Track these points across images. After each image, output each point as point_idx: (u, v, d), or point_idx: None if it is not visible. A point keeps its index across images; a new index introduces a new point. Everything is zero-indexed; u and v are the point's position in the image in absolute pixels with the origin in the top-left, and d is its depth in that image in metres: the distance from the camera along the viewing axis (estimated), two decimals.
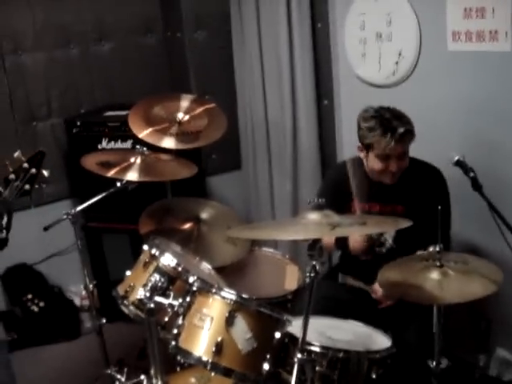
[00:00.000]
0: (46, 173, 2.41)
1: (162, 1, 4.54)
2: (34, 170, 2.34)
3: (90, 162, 3.02)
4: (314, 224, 1.99)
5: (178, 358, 2.50)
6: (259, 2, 3.97)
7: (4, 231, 2.52)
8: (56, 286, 4.42)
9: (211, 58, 4.45)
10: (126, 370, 3.18)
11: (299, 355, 2.04)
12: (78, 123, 3.99)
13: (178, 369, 2.86)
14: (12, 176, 2.32)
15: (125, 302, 2.62)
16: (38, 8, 4.16)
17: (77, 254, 4.51)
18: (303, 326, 2.02)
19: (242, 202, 4.49)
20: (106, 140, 3.91)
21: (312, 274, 1.97)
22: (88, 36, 4.35)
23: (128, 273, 2.75)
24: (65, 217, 2.96)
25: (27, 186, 2.35)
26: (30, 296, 4.25)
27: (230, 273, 2.95)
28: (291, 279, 3.05)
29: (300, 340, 2.04)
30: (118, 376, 3.14)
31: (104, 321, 3.20)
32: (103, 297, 3.88)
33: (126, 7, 4.43)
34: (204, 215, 3.16)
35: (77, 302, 4.42)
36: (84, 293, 4.44)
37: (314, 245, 1.96)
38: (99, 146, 3.92)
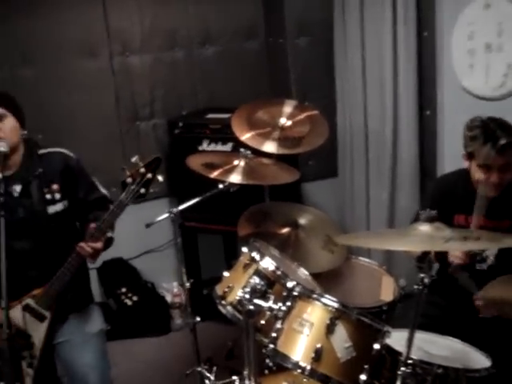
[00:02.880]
0: (160, 178, 2.50)
1: (265, 6, 4.59)
2: (149, 175, 2.43)
3: (195, 162, 3.08)
4: (426, 236, 1.95)
5: (268, 361, 2.55)
6: (364, 8, 3.95)
7: (112, 231, 2.63)
8: (149, 281, 4.53)
9: (312, 65, 4.46)
10: (215, 368, 3.21)
11: (403, 368, 2.01)
12: (180, 124, 4.09)
13: (266, 372, 2.87)
14: (129, 180, 2.43)
15: (222, 302, 2.64)
16: (147, 12, 4.32)
17: (170, 251, 4.66)
18: (408, 339, 1.99)
19: (336, 210, 4.47)
20: (207, 142, 3.98)
21: (420, 287, 1.94)
22: (193, 40, 4.47)
23: (226, 274, 2.77)
24: (168, 215, 3.01)
25: (143, 190, 2.45)
26: (124, 290, 4.38)
27: (325, 280, 2.94)
28: (387, 290, 3.02)
29: (405, 353, 2.01)
30: (208, 374, 3.18)
31: (198, 319, 3.22)
32: (194, 295, 3.94)
33: (231, 12, 4.52)
34: (302, 221, 3.17)
35: (168, 298, 4.51)
36: (176, 290, 4.54)
37: (424, 257, 1.93)
38: (199, 148, 4.00)
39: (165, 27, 4.37)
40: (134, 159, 2.45)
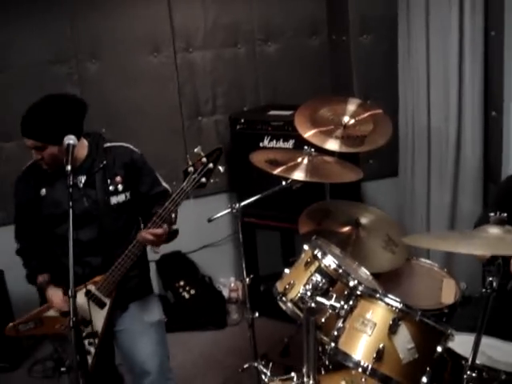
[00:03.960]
0: (221, 169, 2.54)
1: (329, 4, 4.58)
2: (211, 165, 2.46)
3: (259, 158, 3.10)
4: (496, 239, 1.92)
5: (325, 359, 2.54)
6: (429, 6, 3.88)
7: (175, 223, 2.67)
8: (207, 275, 4.58)
9: (375, 63, 4.42)
10: (270, 364, 3.22)
11: (469, 373, 1.98)
12: (242, 120, 4.12)
13: (322, 370, 2.87)
14: (191, 169, 2.46)
15: (283, 298, 2.63)
16: (210, 8, 4.37)
17: (228, 246, 4.71)
18: (475, 343, 1.96)
19: (395, 210, 4.42)
20: (268, 138, 4.00)
21: (489, 291, 1.91)
22: (255, 36, 4.50)
23: (287, 270, 2.76)
24: (230, 210, 3.04)
25: (203, 180, 2.48)
26: (182, 283, 4.44)
27: (385, 280, 2.92)
28: (448, 293, 2.98)
29: (471, 357, 1.99)
30: (264, 370, 3.19)
31: (257, 315, 3.24)
32: (251, 291, 3.96)
33: (294, 9, 4.53)
34: (363, 220, 3.16)
35: (225, 293, 4.56)
36: (233, 285, 4.57)
37: (493, 261, 1.89)
38: (261, 144, 4.02)
39: (228, 23, 4.42)
40: (196, 149, 2.50)
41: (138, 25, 4.24)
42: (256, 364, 3.25)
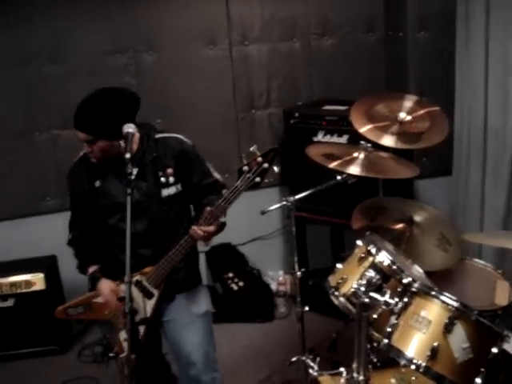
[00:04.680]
0: (276, 169, 2.52)
1: (386, 0, 4.53)
2: (266, 165, 2.44)
3: (315, 152, 3.10)
4: None
5: (373, 356, 2.53)
6: (489, 3, 3.81)
7: (224, 216, 2.67)
8: (255, 268, 4.59)
9: (432, 60, 4.37)
10: (318, 359, 3.23)
11: None
12: (296, 114, 4.12)
13: (370, 367, 2.85)
14: (246, 168, 2.44)
15: (335, 293, 2.64)
16: (267, 1, 4.38)
17: (278, 240, 4.73)
18: None
19: (448, 209, 4.37)
20: (322, 133, 3.99)
21: None
22: (311, 31, 4.50)
23: (339, 265, 2.77)
24: (284, 203, 3.05)
25: (258, 179, 2.46)
26: (230, 274, 4.47)
27: (437, 279, 2.88)
28: (502, 294, 2.93)
29: None
30: (312, 364, 3.20)
31: (307, 308, 3.24)
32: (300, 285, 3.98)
33: (350, 5, 4.52)
34: (417, 218, 3.13)
35: (273, 286, 4.57)
36: (281, 278, 4.59)
37: None
38: (314, 139, 4.01)
39: (284, 17, 4.43)
40: (252, 148, 2.47)
41: (196, 17, 4.29)
42: (304, 358, 3.26)
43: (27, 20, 4.09)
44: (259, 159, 2.44)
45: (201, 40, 4.33)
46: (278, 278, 4.60)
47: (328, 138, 3.96)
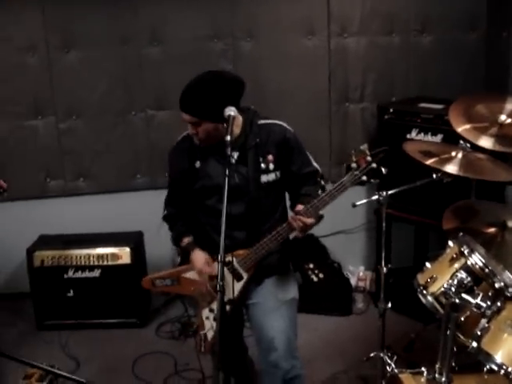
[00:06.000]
0: (384, 170, 2.50)
1: None
2: (374, 165, 2.46)
3: (413, 148, 3.07)
4: None
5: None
6: None
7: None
8: (336, 261, 4.58)
9: None
10: (395, 357, 3.20)
11: None
12: (391, 110, 4.07)
13: None
14: (354, 165, 2.47)
15: (424, 291, 2.61)
16: None
17: (361, 235, 4.70)
18: None
19: None
20: (416, 131, 3.93)
21: None
22: (411, 27, 4.42)
23: (428, 264, 2.73)
24: (377, 197, 3.04)
25: (364, 178, 2.48)
26: (311, 265, 4.46)
27: None
28: None
29: None
30: (389, 361, 3.18)
31: (389, 305, 3.22)
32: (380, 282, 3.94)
33: (452, 1, 4.41)
34: (511, 223, 3.04)
35: (352, 281, 4.54)
36: (361, 274, 4.56)
37: None
38: (408, 136, 3.95)
39: (385, 11, 4.37)
40: (362, 146, 2.49)
41: (296, 7, 4.29)
42: (382, 354, 3.24)
43: (130, 3, 4.22)
44: (368, 158, 2.47)
45: (299, 30, 4.34)
46: (358, 274, 4.57)
47: (422, 136, 3.90)
